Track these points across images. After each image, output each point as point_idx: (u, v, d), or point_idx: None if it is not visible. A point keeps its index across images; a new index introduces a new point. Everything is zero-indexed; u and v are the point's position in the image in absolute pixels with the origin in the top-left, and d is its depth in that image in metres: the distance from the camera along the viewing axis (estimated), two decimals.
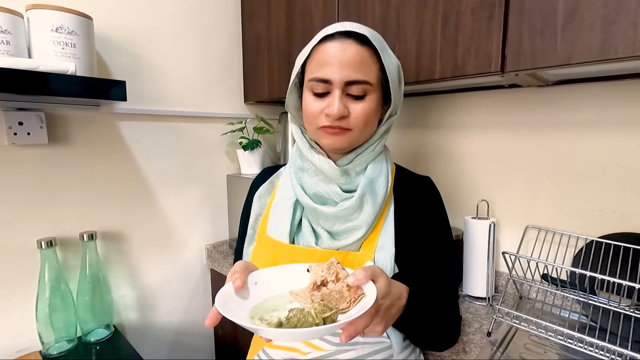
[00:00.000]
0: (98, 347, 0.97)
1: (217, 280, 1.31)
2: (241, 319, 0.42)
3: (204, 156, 1.29)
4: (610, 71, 0.80)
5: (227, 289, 0.48)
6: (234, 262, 0.73)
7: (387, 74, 0.58)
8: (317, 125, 0.59)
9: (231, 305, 0.46)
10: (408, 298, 0.53)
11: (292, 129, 0.67)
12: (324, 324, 0.44)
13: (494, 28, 0.71)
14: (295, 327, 0.44)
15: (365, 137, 0.61)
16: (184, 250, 1.27)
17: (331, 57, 0.56)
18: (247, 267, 0.52)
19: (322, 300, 0.47)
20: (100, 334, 1.00)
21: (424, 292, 0.56)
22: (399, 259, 0.58)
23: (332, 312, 0.44)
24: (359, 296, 0.46)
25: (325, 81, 0.57)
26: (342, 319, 0.44)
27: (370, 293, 0.45)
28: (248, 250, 0.67)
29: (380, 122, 0.64)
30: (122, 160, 1.09)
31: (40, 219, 0.96)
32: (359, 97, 0.57)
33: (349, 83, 0.56)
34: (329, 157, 0.62)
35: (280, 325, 0.45)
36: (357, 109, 0.57)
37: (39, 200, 0.95)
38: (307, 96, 0.60)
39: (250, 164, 1.29)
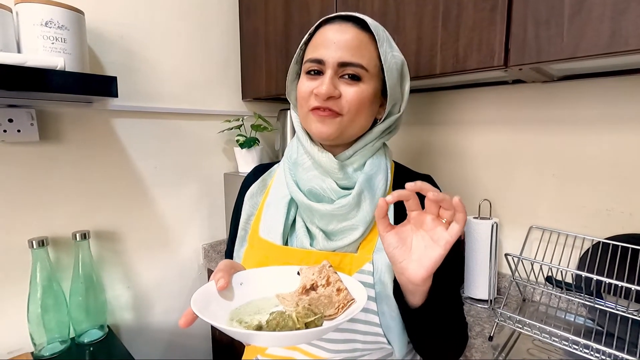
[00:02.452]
0: (92, 348, 0.96)
1: None
2: (218, 320, 0.40)
3: (200, 154, 1.27)
4: (618, 66, 0.76)
5: (207, 288, 0.45)
6: None
7: (383, 63, 0.55)
8: (308, 108, 0.57)
9: (211, 306, 0.43)
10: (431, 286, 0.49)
11: (293, 118, 0.65)
12: (307, 329, 0.41)
13: (497, 19, 0.68)
14: (274, 331, 0.41)
15: (357, 129, 0.58)
16: (180, 250, 1.25)
17: (328, 38, 0.55)
18: (233, 267, 0.50)
19: (309, 305, 0.44)
20: (94, 334, 0.98)
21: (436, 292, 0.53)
22: None
23: (316, 317, 0.42)
24: (348, 302, 0.44)
25: (319, 61, 0.55)
26: (329, 325, 0.41)
27: (360, 298, 0.43)
28: (239, 252, 0.65)
29: (378, 120, 0.61)
30: (115, 158, 1.08)
31: (32, 218, 0.94)
32: (352, 81, 0.55)
33: (343, 65, 0.54)
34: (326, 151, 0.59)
35: (259, 329, 0.42)
36: (350, 92, 0.55)
37: (30, 199, 0.93)
38: (302, 78, 0.59)
39: (247, 162, 1.26)
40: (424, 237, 0.45)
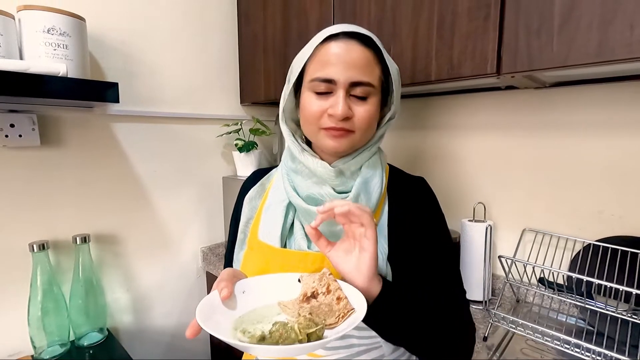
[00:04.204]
0: (91, 351, 0.96)
1: (213, 283, 1.30)
2: (222, 332, 0.41)
3: (199, 158, 1.28)
4: (607, 73, 0.79)
5: (211, 298, 0.46)
6: (224, 268, 0.72)
7: (391, 76, 0.58)
8: (320, 127, 0.58)
9: (215, 315, 0.44)
10: (383, 286, 0.50)
11: (283, 130, 0.65)
12: (309, 340, 0.42)
13: (489, 29, 0.71)
14: (277, 342, 0.42)
15: (366, 140, 0.61)
16: (179, 253, 1.26)
17: (335, 57, 0.55)
18: (235, 276, 0.51)
19: (310, 313, 0.45)
20: (94, 337, 0.99)
21: (409, 289, 0.53)
22: (392, 258, 0.57)
23: (318, 327, 0.43)
24: (348, 311, 0.45)
25: (329, 81, 0.56)
26: (330, 334, 0.42)
27: (360, 308, 0.44)
28: (239, 255, 0.66)
29: (378, 125, 0.63)
30: (116, 162, 1.09)
31: (33, 221, 0.95)
32: (361, 99, 0.57)
33: (354, 84, 0.55)
34: (322, 159, 0.61)
35: (262, 339, 0.43)
36: (361, 111, 0.56)
37: (31, 203, 0.94)
38: (308, 96, 0.58)
39: (246, 166, 1.28)
40: (357, 246, 0.49)
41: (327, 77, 0.55)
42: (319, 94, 0.57)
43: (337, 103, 0.55)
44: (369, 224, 0.47)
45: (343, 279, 0.50)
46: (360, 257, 0.48)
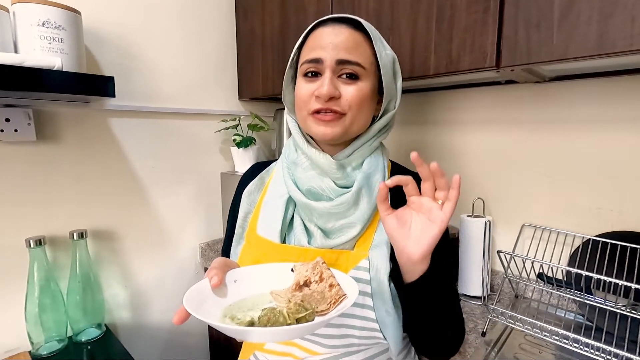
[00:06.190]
0: (89, 347, 0.96)
1: None
2: (211, 317, 0.40)
3: (197, 154, 1.28)
4: (608, 67, 0.78)
5: (201, 285, 0.46)
6: None
7: (379, 61, 0.56)
8: (309, 111, 0.57)
9: (205, 303, 0.44)
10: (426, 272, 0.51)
11: (289, 121, 0.66)
12: (297, 324, 0.41)
13: (489, 22, 0.70)
14: (265, 327, 0.41)
15: (359, 127, 0.59)
16: (177, 249, 1.26)
17: (323, 40, 0.56)
18: (227, 264, 0.51)
19: (302, 301, 0.45)
20: (92, 333, 0.99)
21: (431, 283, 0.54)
22: (394, 257, 0.57)
23: (307, 312, 0.42)
24: (340, 297, 0.45)
25: (317, 60, 0.56)
26: (318, 321, 0.42)
27: (352, 294, 0.44)
28: (237, 249, 0.65)
29: (375, 118, 0.62)
30: (113, 157, 1.08)
31: (29, 217, 0.94)
32: (350, 80, 0.56)
33: (340, 62, 0.55)
34: (324, 152, 0.60)
35: (251, 325, 0.43)
36: (349, 90, 0.56)
37: (28, 199, 0.93)
38: (299, 82, 0.59)
39: (244, 162, 1.27)
40: (422, 219, 0.49)
41: (313, 58, 0.56)
42: (308, 77, 0.58)
43: (323, 83, 0.55)
44: (453, 198, 0.46)
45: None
46: (426, 229, 0.48)
